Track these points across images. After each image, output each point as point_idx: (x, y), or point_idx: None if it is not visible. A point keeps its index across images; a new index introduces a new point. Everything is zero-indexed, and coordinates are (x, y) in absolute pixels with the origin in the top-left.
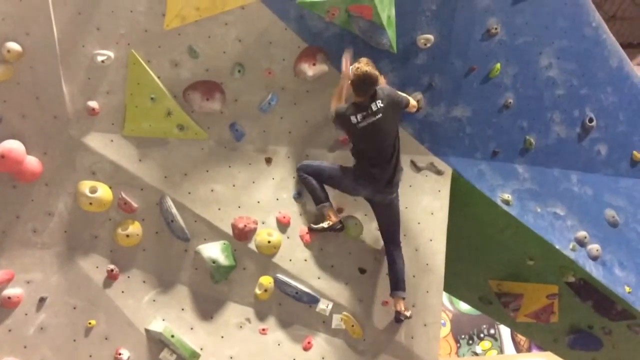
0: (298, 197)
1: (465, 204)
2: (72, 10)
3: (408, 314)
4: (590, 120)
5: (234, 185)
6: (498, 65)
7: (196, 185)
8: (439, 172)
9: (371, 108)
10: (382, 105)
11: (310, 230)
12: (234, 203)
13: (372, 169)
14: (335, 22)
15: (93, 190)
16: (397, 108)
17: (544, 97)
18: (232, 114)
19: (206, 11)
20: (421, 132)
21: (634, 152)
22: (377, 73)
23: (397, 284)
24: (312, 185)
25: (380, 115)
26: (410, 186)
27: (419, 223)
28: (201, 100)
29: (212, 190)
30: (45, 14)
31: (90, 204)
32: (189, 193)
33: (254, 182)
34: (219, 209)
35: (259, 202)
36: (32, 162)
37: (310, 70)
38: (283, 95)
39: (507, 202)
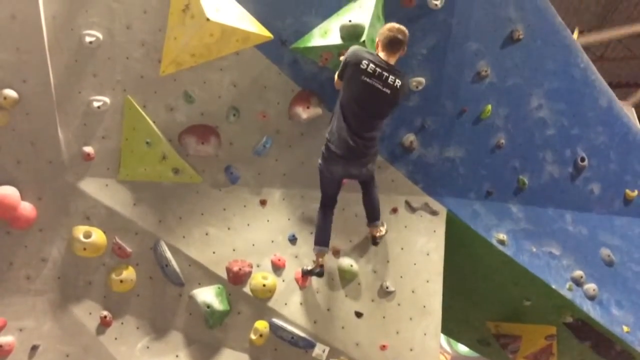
0: (293, 239)
1: (460, 244)
2: (69, 57)
3: (384, 229)
4: (582, 160)
5: (228, 228)
6: (489, 107)
7: (191, 228)
8: (433, 213)
9: (388, 77)
10: (397, 85)
11: (302, 273)
12: (229, 246)
13: (348, 137)
14: (329, 66)
15: (87, 235)
16: (401, 98)
17: (535, 138)
18: (227, 157)
19: (201, 57)
20: (415, 172)
21: (627, 190)
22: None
23: (374, 214)
24: (319, 222)
25: (389, 91)
26: (406, 227)
27: (415, 264)
28: (196, 144)
29: (206, 234)
30: (42, 61)
31: (85, 249)
32: (184, 237)
33: (248, 225)
34: (214, 253)
35: (253, 244)
36: (27, 208)
37: (304, 113)
38: (278, 138)
39: (502, 242)
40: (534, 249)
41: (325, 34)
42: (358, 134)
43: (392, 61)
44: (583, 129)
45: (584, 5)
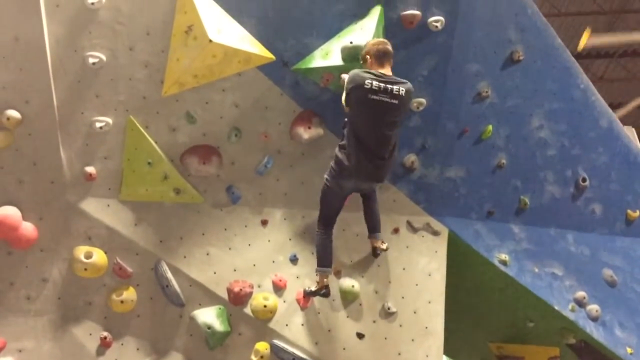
0: (295, 259)
1: (462, 264)
2: (72, 78)
3: (384, 246)
4: (584, 180)
5: (229, 249)
6: (490, 127)
7: (192, 249)
8: (435, 233)
9: (392, 89)
10: (402, 94)
11: (304, 294)
12: (230, 266)
13: (368, 161)
14: (330, 87)
15: (88, 255)
16: (409, 104)
17: (536, 158)
18: (229, 177)
19: (204, 78)
20: (416, 192)
21: (628, 211)
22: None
23: (375, 226)
24: (321, 244)
25: (397, 101)
26: (407, 247)
27: (416, 285)
28: (198, 164)
29: (207, 254)
30: (45, 82)
31: (85, 269)
32: (185, 257)
33: (249, 245)
34: (215, 273)
35: (254, 265)
36: (28, 228)
37: (305, 133)
38: (279, 158)
39: (504, 263)
40: (536, 270)
41: (327, 56)
42: (378, 155)
43: (388, 72)
44: (584, 150)
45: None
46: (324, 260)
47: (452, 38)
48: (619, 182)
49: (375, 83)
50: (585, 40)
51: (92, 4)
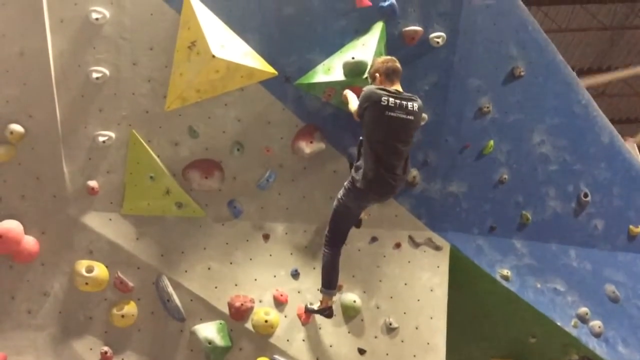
0: (296, 274)
1: (464, 279)
2: (76, 93)
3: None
4: (585, 195)
5: (231, 263)
6: (491, 142)
7: (193, 263)
8: (437, 248)
9: (407, 105)
10: (416, 110)
11: (305, 310)
12: (231, 281)
13: (387, 176)
14: (332, 102)
15: (89, 269)
16: (420, 121)
17: (538, 173)
18: (231, 191)
19: (206, 93)
20: (418, 207)
21: (631, 226)
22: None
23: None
24: (330, 264)
25: (412, 117)
26: (409, 262)
27: (418, 300)
28: (200, 179)
29: (209, 268)
30: (49, 97)
31: (86, 283)
32: (186, 271)
33: (251, 259)
34: (216, 288)
35: (255, 279)
36: (30, 242)
37: (307, 147)
38: (281, 172)
39: (506, 278)
40: (539, 285)
41: (329, 71)
42: (394, 170)
43: (399, 89)
44: (585, 165)
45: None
46: (331, 282)
47: (453, 54)
48: (621, 198)
49: (391, 100)
50: None
51: (97, 19)
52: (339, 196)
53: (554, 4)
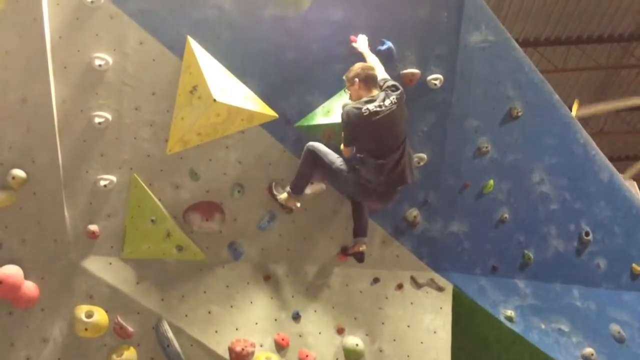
0: (297, 316)
1: (467, 321)
2: (78, 138)
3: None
4: (587, 234)
5: (231, 306)
6: (491, 182)
7: (193, 307)
8: (439, 289)
9: (384, 104)
10: (395, 100)
11: (269, 189)
12: (232, 325)
13: (388, 179)
14: (332, 143)
15: (89, 314)
16: (404, 106)
17: (538, 212)
18: (231, 233)
19: (207, 136)
20: (420, 247)
21: (634, 265)
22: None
23: (363, 229)
24: (306, 174)
25: (395, 106)
26: (412, 303)
27: (422, 342)
28: (201, 221)
29: (209, 312)
30: (51, 142)
31: (86, 329)
32: (186, 316)
33: (251, 302)
34: (216, 332)
35: (256, 323)
36: (30, 288)
37: (308, 189)
38: (282, 213)
39: (510, 319)
40: (543, 326)
41: (328, 113)
42: (389, 169)
43: (375, 94)
44: (586, 204)
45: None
46: (298, 186)
47: (451, 95)
48: (623, 236)
49: (370, 106)
50: (574, 112)
51: (100, 65)
52: (338, 163)
53: (550, 45)
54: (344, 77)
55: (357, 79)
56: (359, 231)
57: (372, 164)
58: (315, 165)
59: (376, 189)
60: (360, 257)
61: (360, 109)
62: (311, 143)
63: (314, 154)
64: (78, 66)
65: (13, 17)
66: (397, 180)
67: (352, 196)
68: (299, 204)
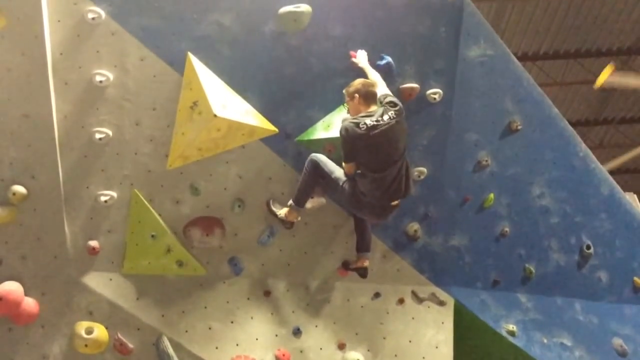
0: (298, 332)
1: (469, 335)
2: (79, 153)
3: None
4: (588, 248)
5: (232, 322)
6: (492, 195)
7: (193, 323)
8: (441, 303)
9: (382, 119)
10: (394, 115)
11: (267, 206)
12: (232, 341)
13: (388, 193)
14: (332, 157)
15: (89, 331)
16: (404, 120)
17: (539, 226)
18: (232, 248)
19: (208, 151)
20: (420, 261)
21: (635, 278)
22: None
23: (367, 244)
24: (308, 186)
25: (395, 121)
26: (413, 318)
27: (423, 358)
28: (201, 236)
29: (209, 328)
30: (52, 158)
31: (86, 345)
32: (186, 331)
33: (252, 318)
34: (217, 348)
35: (257, 339)
36: (30, 304)
37: (308, 203)
38: (282, 228)
39: (512, 333)
40: (545, 340)
41: (328, 127)
42: (394, 178)
43: (373, 109)
44: (587, 217)
45: (579, 95)
46: (300, 200)
47: (450, 109)
48: (624, 249)
49: (368, 121)
50: (605, 76)
51: (100, 82)
52: (337, 173)
53: (549, 59)
54: (344, 92)
55: (357, 95)
56: (362, 246)
57: (370, 178)
58: (316, 175)
59: (371, 202)
60: (363, 273)
61: (358, 123)
62: (314, 154)
63: (316, 164)
64: (79, 82)
65: (14, 34)
66: (393, 195)
67: (347, 208)
68: (299, 218)
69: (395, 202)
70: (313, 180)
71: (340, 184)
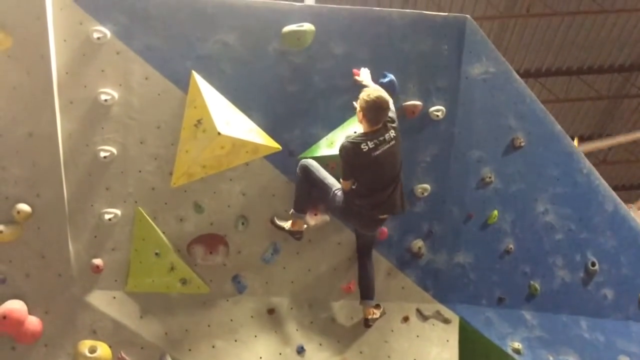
0: (302, 350)
1: (475, 353)
2: (83, 171)
3: (378, 313)
4: (593, 264)
5: (235, 340)
6: (495, 212)
7: (197, 341)
8: (446, 321)
9: (384, 138)
10: (394, 134)
11: (272, 223)
12: (236, 359)
13: (380, 207)
14: (334, 174)
15: (92, 350)
16: (399, 137)
17: (544, 242)
18: (235, 265)
19: (212, 169)
20: (425, 278)
21: None
22: (388, 97)
23: (368, 292)
24: (304, 191)
25: (394, 142)
26: (418, 336)
27: None
28: (204, 254)
29: (213, 347)
30: (56, 176)
31: None
32: (190, 350)
33: (255, 336)
34: None
35: (261, 357)
36: (33, 323)
37: (312, 220)
38: (286, 245)
39: (518, 351)
40: (551, 358)
41: (332, 145)
42: (387, 192)
43: (377, 127)
44: (591, 234)
45: (582, 112)
46: (301, 205)
47: (453, 126)
48: (629, 266)
49: (369, 143)
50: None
51: (105, 100)
52: (329, 180)
53: (551, 76)
54: (354, 103)
55: (362, 113)
56: (363, 293)
57: (365, 194)
58: (308, 180)
59: (360, 212)
60: (365, 323)
61: (359, 144)
62: (304, 159)
63: (305, 168)
64: (84, 101)
65: (20, 53)
66: (384, 210)
67: (335, 216)
68: (305, 225)
69: (384, 216)
70: (306, 185)
71: (332, 190)
